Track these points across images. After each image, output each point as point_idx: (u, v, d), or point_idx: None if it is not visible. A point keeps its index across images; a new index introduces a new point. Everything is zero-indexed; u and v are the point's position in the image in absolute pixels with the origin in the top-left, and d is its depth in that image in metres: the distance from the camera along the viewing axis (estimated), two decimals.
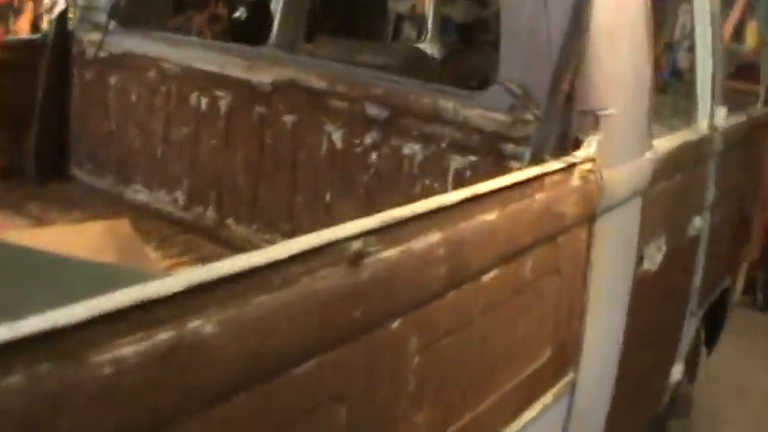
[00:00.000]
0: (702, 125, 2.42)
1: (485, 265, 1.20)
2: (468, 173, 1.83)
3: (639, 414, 2.36)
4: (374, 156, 2.00)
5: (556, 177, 1.42)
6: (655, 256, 2.01)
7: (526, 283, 1.35)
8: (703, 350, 3.13)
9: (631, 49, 1.79)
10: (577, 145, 1.58)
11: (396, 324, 1.03)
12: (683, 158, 2.16)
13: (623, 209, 1.74)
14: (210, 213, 2.40)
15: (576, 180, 1.49)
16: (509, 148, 1.74)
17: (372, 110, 2.00)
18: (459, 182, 1.81)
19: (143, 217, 2.49)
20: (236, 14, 3.76)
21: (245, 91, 2.28)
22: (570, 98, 1.57)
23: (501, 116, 1.75)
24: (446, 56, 3.82)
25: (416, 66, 2.88)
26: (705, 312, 2.86)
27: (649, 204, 1.89)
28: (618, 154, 1.69)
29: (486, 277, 1.21)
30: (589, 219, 1.56)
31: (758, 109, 3.33)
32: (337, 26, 5.55)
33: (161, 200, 2.53)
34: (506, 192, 1.26)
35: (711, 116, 2.45)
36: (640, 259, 1.92)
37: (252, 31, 2.98)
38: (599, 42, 1.63)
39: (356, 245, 0.96)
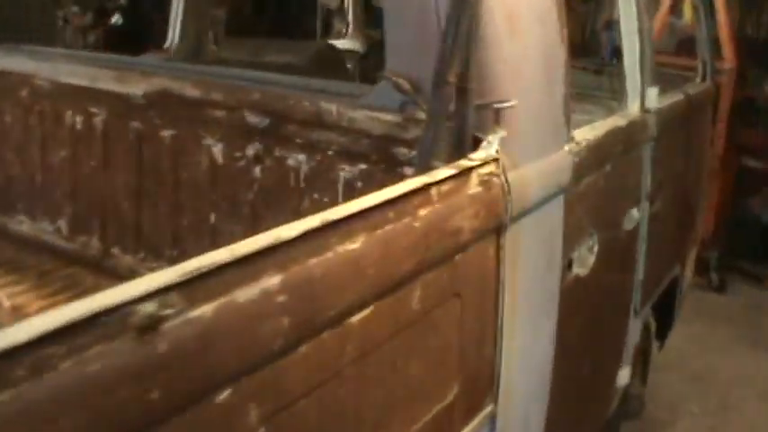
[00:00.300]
0: (633, 108, 2.25)
1: (350, 305, 0.98)
2: (359, 183, 1.60)
3: (584, 428, 2.17)
4: (258, 170, 1.76)
5: (446, 186, 1.20)
6: (586, 259, 1.81)
7: (414, 317, 1.13)
8: (655, 345, 2.97)
9: (538, 29, 1.57)
10: (476, 145, 1.36)
11: (223, 395, 0.81)
12: (611, 147, 1.96)
13: (540, 212, 1.52)
14: (95, 243, 2.15)
15: (473, 187, 1.27)
16: (402, 152, 1.51)
17: (252, 118, 1.75)
18: (351, 194, 1.58)
19: (27, 250, 2.26)
20: (113, 21, 3.47)
21: (119, 106, 2.04)
22: (464, 91, 1.34)
23: (389, 116, 1.51)
24: (369, 50, 3.61)
25: (326, 63, 2.68)
26: (654, 305, 2.70)
27: (574, 202, 1.68)
28: (528, 151, 1.47)
29: (355, 319, 0.99)
30: (495, 229, 1.35)
31: (696, 85, 3.18)
32: (267, 25, 5.34)
33: (45, 230, 2.28)
34: (375, 212, 1.04)
35: (642, 98, 2.28)
36: (569, 264, 1.72)
37: (130, 39, 2.75)
38: (496, 23, 1.41)
39: (148, 308, 0.73)
